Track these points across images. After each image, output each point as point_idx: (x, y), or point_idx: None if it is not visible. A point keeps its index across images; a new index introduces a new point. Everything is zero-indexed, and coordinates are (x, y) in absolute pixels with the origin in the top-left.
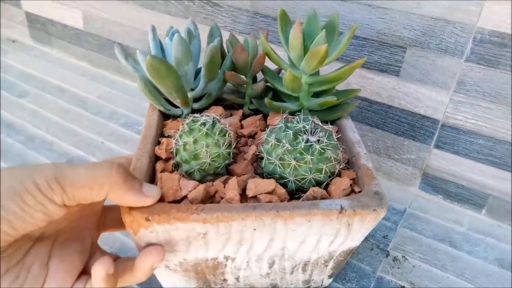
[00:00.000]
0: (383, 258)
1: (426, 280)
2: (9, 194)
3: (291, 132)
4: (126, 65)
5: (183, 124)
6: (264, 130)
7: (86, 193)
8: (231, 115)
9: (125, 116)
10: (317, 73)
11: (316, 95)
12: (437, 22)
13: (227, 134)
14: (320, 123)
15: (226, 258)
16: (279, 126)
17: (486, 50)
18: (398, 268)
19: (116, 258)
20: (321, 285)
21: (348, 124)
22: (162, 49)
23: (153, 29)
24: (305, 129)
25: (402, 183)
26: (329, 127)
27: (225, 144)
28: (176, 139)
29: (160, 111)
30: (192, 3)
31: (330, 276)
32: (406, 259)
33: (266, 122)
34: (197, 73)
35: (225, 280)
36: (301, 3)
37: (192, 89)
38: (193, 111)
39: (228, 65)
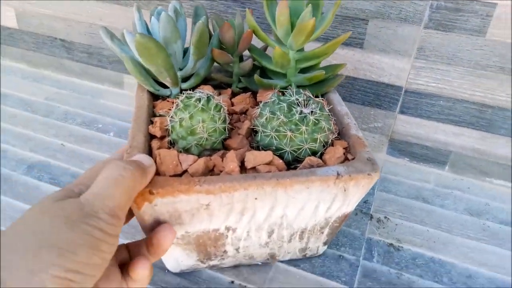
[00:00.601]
0: (368, 221)
1: (410, 235)
2: (89, 249)
3: (285, 104)
4: (112, 47)
5: (176, 101)
6: (254, 107)
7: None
8: (219, 94)
9: (80, 115)
10: (302, 49)
11: (303, 71)
12: None
13: (221, 110)
14: (311, 96)
15: (228, 228)
16: (273, 100)
17: (442, 16)
18: (383, 228)
19: (126, 247)
20: (317, 252)
21: (336, 98)
22: (147, 30)
23: (138, 9)
24: (298, 102)
25: (371, 151)
26: (320, 99)
27: (221, 119)
28: (171, 116)
29: (149, 92)
30: None
31: (324, 243)
32: (388, 219)
33: (255, 99)
34: (184, 52)
35: (225, 251)
36: None
37: (181, 69)
38: (182, 91)
39: (216, 43)
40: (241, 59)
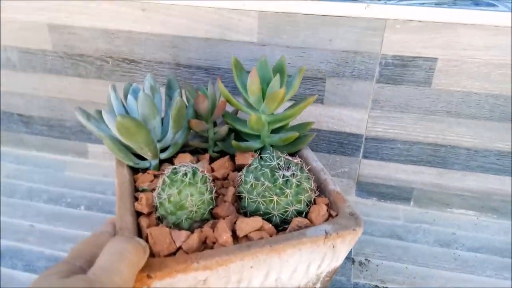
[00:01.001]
0: (351, 266)
1: (391, 274)
2: None
3: (267, 170)
4: (89, 126)
5: (162, 177)
6: (234, 171)
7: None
8: (198, 159)
9: (46, 191)
10: (273, 112)
11: (274, 131)
12: (348, 54)
13: (207, 181)
14: (290, 158)
15: None
16: (255, 165)
17: (391, 71)
18: (366, 270)
19: None
20: None
21: (310, 155)
22: (124, 107)
23: (114, 88)
24: (279, 165)
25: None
26: (297, 160)
27: (208, 190)
28: (159, 193)
29: (129, 166)
30: (105, 62)
31: None
32: (369, 261)
33: (234, 162)
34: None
35: None
36: (224, 51)
37: (159, 141)
38: (161, 161)
39: (191, 113)
40: (214, 124)
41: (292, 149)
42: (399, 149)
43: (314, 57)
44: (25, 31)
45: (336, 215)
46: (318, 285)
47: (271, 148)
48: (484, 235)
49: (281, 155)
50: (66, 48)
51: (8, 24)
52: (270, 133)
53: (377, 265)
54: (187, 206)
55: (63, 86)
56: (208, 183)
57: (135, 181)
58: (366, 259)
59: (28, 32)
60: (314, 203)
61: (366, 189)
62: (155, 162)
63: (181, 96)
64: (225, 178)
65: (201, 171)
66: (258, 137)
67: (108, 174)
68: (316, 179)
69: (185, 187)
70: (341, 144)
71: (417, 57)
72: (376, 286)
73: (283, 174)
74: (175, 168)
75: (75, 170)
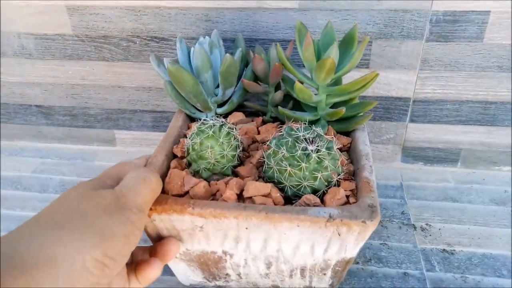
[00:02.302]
0: (414, 232)
1: (456, 236)
2: (124, 239)
3: (290, 139)
4: (158, 71)
5: (193, 127)
6: None
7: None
8: (252, 121)
9: None
10: (337, 83)
11: (336, 105)
12: (396, 13)
13: (232, 138)
14: (321, 133)
15: (225, 253)
16: (282, 133)
17: (442, 28)
18: (430, 235)
19: None
20: None
21: (361, 137)
22: (189, 58)
23: (181, 40)
24: (305, 138)
25: (385, 162)
26: (332, 137)
27: (231, 146)
28: (188, 140)
29: (187, 115)
30: (132, 43)
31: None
32: (430, 225)
33: None
34: None
35: (227, 275)
36: (262, 21)
37: (216, 95)
38: (217, 115)
39: (250, 74)
40: (278, 89)
41: (346, 127)
42: (448, 110)
43: (360, 18)
44: (41, 15)
45: (354, 203)
46: (329, 272)
47: (326, 123)
48: None
49: (313, 128)
50: (87, 31)
51: (22, 9)
52: (330, 107)
53: (439, 229)
54: (206, 157)
55: (86, 72)
56: (232, 140)
57: (189, 129)
58: (427, 224)
59: (44, 16)
60: (338, 185)
61: (412, 154)
62: (211, 115)
63: (245, 55)
64: (263, 142)
65: (228, 128)
66: (314, 109)
67: None
68: (356, 163)
69: (207, 139)
70: (387, 109)
71: (469, 11)
72: (444, 250)
73: (305, 147)
74: (206, 119)
75: (104, 159)
